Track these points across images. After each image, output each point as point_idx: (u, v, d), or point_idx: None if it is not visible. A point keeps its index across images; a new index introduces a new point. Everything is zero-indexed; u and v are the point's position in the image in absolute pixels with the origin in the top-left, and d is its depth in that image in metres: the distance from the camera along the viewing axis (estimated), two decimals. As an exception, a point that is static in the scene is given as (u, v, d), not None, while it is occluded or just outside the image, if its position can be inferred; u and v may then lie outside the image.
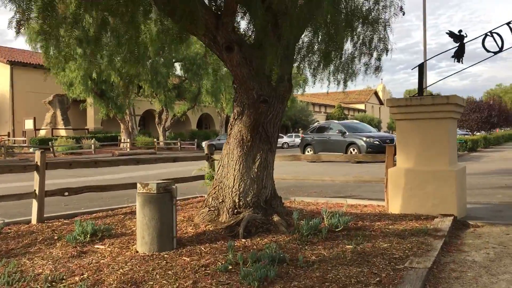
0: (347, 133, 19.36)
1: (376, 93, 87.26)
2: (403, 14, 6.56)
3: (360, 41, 6.51)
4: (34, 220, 6.06)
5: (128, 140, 32.34)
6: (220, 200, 5.82)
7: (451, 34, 6.95)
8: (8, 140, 32.89)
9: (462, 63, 7.02)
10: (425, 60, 6.93)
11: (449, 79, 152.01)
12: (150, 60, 32.57)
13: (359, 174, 12.76)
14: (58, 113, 34.44)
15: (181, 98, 38.58)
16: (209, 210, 5.83)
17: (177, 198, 8.00)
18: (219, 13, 5.06)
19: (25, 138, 32.12)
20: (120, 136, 33.62)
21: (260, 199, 5.79)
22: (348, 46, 6.88)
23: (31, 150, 28.62)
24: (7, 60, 34.10)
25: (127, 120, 32.69)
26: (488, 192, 9.84)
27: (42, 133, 33.81)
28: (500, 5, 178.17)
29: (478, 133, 37.55)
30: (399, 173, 6.99)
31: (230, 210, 5.65)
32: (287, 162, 13.92)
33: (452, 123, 6.95)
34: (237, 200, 5.68)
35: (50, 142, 27.76)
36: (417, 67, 7.16)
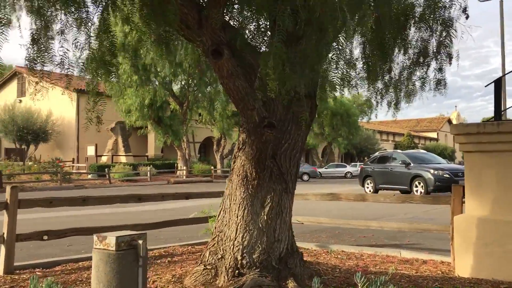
0: (412, 164, 17.20)
1: (449, 121, 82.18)
2: (467, 18, 4.93)
3: (414, 47, 4.96)
4: (0, 271, 4.99)
5: (185, 167, 31.85)
6: (219, 256, 4.43)
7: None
8: (72, 166, 33.63)
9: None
10: (504, 74, 5.20)
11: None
12: (208, 87, 32.39)
13: (416, 220, 10.84)
14: (120, 139, 34.85)
15: (239, 125, 37.88)
16: (204, 269, 4.44)
17: (180, 244, 6.72)
18: (202, 3, 3.79)
19: (85, 164, 32.66)
20: (177, 163, 33.28)
21: (272, 256, 4.33)
22: (399, 56, 5.37)
23: (89, 176, 28.83)
24: (74, 89, 35.21)
25: (184, 147, 32.31)
26: None
27: (103, 159, 34.28)
28: None
29: None
30: (470, 223, 5.24)
31: (230, 270, 4.25)
32: (327, 202, 12.10)
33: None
34: (239, 257, 4.27)
35: (106, 169, 27.78)
36: (493, 83, 5.46)
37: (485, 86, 5.53)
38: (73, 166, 33.75)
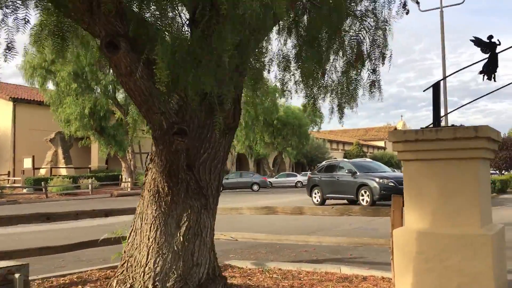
0: (358, 173, 17.09)
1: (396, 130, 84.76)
2: (407, 13, 4.63)
3: (349, 47, 4.59)
4: None
5: (130, 179, 30.60)
6: (128, 286, 3.80)
7: (477, 41, 4.98)
8: (7, 179, 31.56)
9: (495, 80, 5.00)
10: (444, 78, 4.95)
11: (471, 116, 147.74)
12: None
13: (361, 231, 10.61)
14: (60, 151, 33.12)
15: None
16: (110, 301, 3.81)
17: (100, 267, 5.92)
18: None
19: (21, 178, 30.71)
20: (121, 175, 31.95)
21: (189, 283, 3.76)
22: (335, 58, 5.00)
23: (24, 190, 27.07)
24: (10, 97, 33.20)
25: (129, 158, 31.07)
26: (531, 253, 7.53)
27: (42, 172, 32.41)
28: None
29: (506, 173, 34.75)
30: (409, 236, 4.88)
31: (139, 302, 3.64)
32: (262, 217, 11.59)
33: (483, 166, 4.87)
34: (150, 287, 3.66)
35: (42, 182, 26.17)
36: (431, 88, 5.17)
37: (424, 91, 5.24)
38: (8, 179, 31.67)
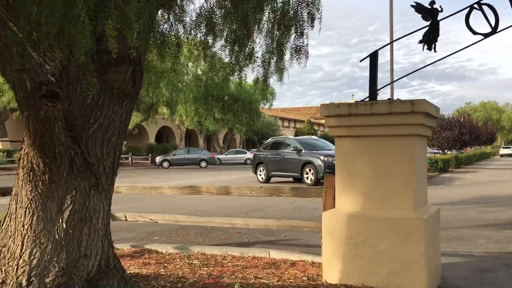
0: (303, 151, 16.81)
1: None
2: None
3: (275, 9, 4.01)
4: None
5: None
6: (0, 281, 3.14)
7: (417, 7, 4.53)
8: None
9: (435, 51, 4.59)
10: (380, 48, 4.51)
11: (420, 97, 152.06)
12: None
13: (300, 210, 10.28)
14: (-7, 123, 30.99)
15: (135, 109, 35.70)
16: (-24, 300, 3.13)
17: None
18: None
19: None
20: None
21: (75, 278, 3.15)
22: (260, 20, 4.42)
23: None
24: None
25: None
26: (467, 234, 7.43)
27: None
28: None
29: (449, 152, 35.85)
30: (339, 220, 4.47)
31: (9, 302, 2.99)
32: (186, 196, 10.95)
33: (419, 143, 4.49)
34: (24, 283, 3.03)
35: (-30, 156, 24.40)
36: (368, 58, 4.71)
37: (360, 61, 4.78)
38: None
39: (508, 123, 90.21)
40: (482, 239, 6.94)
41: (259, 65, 4.60)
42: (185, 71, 39.78)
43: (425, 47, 4.54)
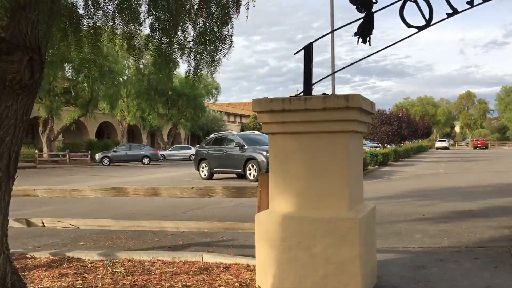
0: (246, 147, 16.59)
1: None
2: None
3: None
4: None
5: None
6: None
7: (353, -2, 4.35)
8: None
9: (370, 44, 4.44)
10: (314, 41, 4.28)
11: (362, 92, 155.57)
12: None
13: (241, 208, 10.05)
14: None
15: (72, 104, 34.12)
16: None
17: None
18: None
19: None
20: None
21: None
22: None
23: None
24: None
25: None
26: (403, 228, 7.46)
27: None
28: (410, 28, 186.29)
29: (388, 146, 36.99)
30: (273, 221, 4.22)
31: None
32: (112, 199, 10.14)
33: (354, 140, 4.32)
34: None
35: None
36: (303, 50, 4.49)
37: (294, 54, 4.56)
38: None
39: (443, 118, 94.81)
40: (418, 234, 6.97)
41: (189, 56, 4.26)
42: (126, 64, 38.55)
43: (360, 40, 4.38)
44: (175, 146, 47.30)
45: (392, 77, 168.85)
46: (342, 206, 4.09)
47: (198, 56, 4.19)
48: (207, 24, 3.46)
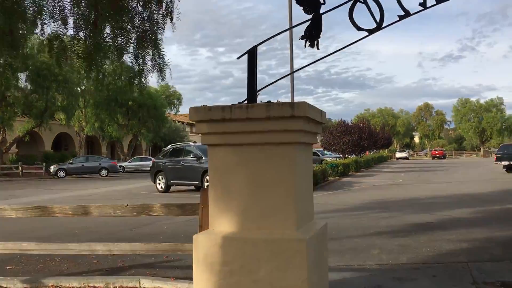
0: (204, 158, 16.07)
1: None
2: None
3: None
4: None
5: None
6: None
7: (300, -1, 4.02)
8: None
9: (318, 48, 4.12)
10: (258, 44, 3.89)
11: (324, 104, 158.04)
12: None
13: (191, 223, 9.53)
14: None
15: (26, 114, 32.72)
16: None
17: None
18: None
19: None
20: None
21: None
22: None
23: None
24: None
25: None
26: (361, 243, 7.17)
27: None
28: (371, 41, 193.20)
29: (350, 156, 37.20)
30: (213, 243, 3.78)
31: None
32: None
33: (302, 152, 3.96)
34: None
35: None
36: (246, 54, 4.12)
37: (238, 58, 4.18)
38: None
39: (402, 128, 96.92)
40: (375, 249, 6.68)
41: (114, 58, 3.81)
42: (86, 74, 37.39)
43: (308, 43, 4.04)
44: (135, 157, 46.10)
45: (354, 89, 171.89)
46: (289, 225, 3.69)
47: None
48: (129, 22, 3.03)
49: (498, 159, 27.98)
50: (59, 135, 45.11)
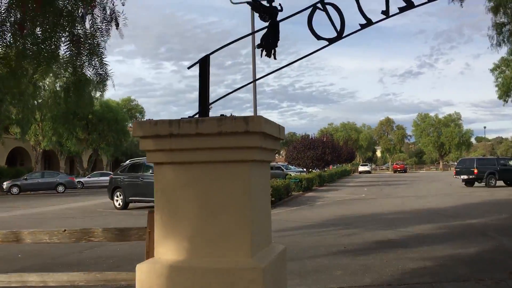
0: (163, 174, 15.49)
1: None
2: None
3: None
4: None
5: None
6: None
7: (255, 4, 3.73)
8: None
9: (275, 58, 3.83)
10: (212, 52, 3.54)
11: (289, 118, 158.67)
12: None
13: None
14: None
15: (-24, 128, 31.15)
16: None
17: None
18: None
19: None
20: None
21: None
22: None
23: None
24: None
25: None
26: (323, 264, 6.87)
27: None
28: (333, 57, 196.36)
29: (313, 171, 37.22)
30: (158, 273, 3.37)
31: None
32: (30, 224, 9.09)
33: (258, 170, 3.62)
34: None
35: None
36: (198, 64, 3.78)
37: (188, 68, 3.85)
38: None
39: (365, 142, 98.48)
40: (338, 270, 6.40)
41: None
42: (43, 86, 36.08)
43: (264, 53, 3.74)
44: (95, 172, 44.65)
45: (318, 103, 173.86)
46: (242, 252, 3.33)
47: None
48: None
49: (458, 173, 28.56)
50: (14, 149, 43.27)
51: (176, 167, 3.47)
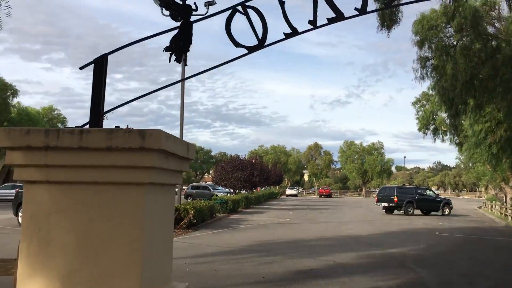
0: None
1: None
2: None
3: None
4: None
5: None
6: None
7: (166, 3, 3.20)
8: None
9: (186, 64, 3.31)
10: (109, 53, 2.87)
11: (221, 138, 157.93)
12: None
13: None
14: None
15: None
16: None
17: None
18: None
19: None
20: None
21: None
22: None
23: None
24: None
25: None
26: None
27: None
28: (267, 80, 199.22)
29: (241, 192, 36.79)
30: (17, 322, 2.65)
31: None
32: None
33: (156, 196, 3.03)
34: None
35: None
36: (93, 64, 3.16)
37: (80, 69, 3.22)
38: None
39: (294, 166, 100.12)
40: (253, 305, 5.86)
41: None
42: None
43: (173, 57, 3.20)
44: (5, 184, 41.25)
45: (250, 125, 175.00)
46: (130, 296, 2.71)
47: None
48: None
49: (379, 201, 29.36)
50: None
51: (52, 187, 2.80)
